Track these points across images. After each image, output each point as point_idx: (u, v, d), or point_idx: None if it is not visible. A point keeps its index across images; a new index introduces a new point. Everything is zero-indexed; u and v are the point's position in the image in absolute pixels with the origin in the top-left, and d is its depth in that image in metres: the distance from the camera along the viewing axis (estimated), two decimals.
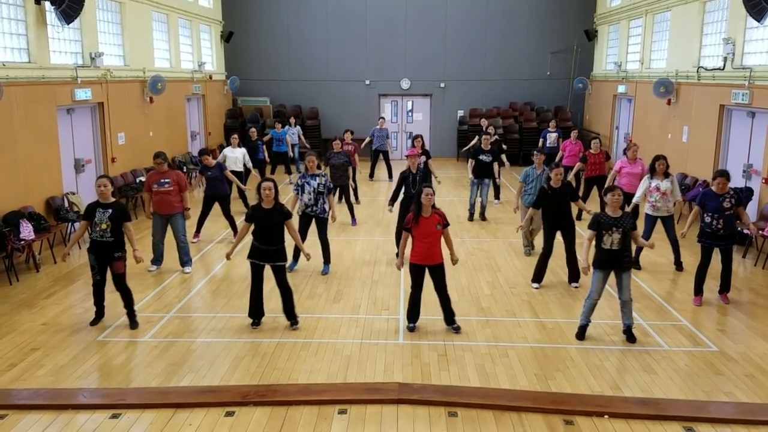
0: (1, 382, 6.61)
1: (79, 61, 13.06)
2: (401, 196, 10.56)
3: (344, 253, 11.29)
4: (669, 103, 15.27)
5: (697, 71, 14.09)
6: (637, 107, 17.90)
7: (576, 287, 9.42)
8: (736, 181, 12.39)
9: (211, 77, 20.95)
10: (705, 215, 8.55)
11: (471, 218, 13.81)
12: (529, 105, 22.84)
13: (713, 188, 8.61)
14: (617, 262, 7.40)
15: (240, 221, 9.73)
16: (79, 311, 8.56)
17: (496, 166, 13.62)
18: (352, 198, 14.20)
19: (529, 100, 22.99)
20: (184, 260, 10.29)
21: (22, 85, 10.84)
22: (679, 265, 10.33)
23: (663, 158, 10.01)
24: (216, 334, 7.83)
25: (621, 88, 19.05)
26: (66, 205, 11.90)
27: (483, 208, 13.83)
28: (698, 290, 8.84)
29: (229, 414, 5.95)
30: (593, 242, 7.53)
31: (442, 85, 23.13)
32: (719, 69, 13.13)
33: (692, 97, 14.31)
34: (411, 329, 7.90)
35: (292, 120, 19.48)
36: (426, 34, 22.78)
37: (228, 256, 8.12)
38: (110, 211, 7.74)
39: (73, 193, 12.33)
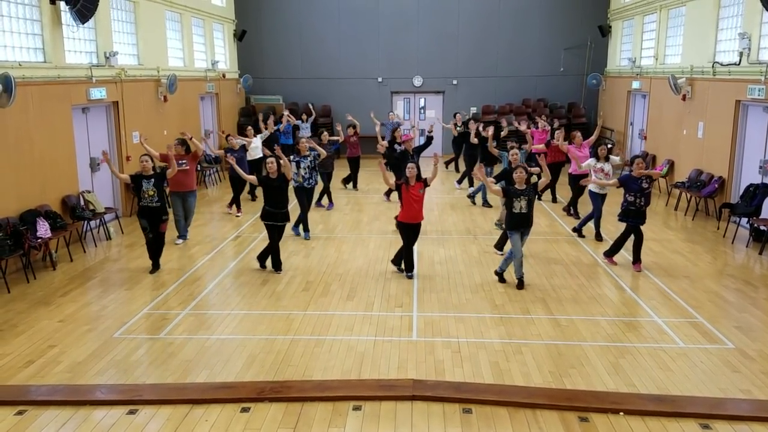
0: (19, 378, 6.70)
1: (94, 61, 13.15)
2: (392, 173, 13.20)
3: (357, 250, 11.30)
4: (684, 98, 15.14)
5: (713, 66, 13.96)
6: (651, 103, 17.75)
7: (499, 254, 10.82)
8: (753, 177, 12.28)
9: (224, 76, 21.03)
10: (627, 195, 10.01)
11: (482, 203, 15.26)
12: (543, 101, 22.72)
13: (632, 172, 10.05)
14: (525, 223, 9.18)
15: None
16: (96, 308, 8.64)
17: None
18: (350, 185, 17.32)
19: (542, 97, 22.87)
20: (182, 234, 11.91)
21: (38, 85, 10.94)
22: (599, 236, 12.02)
23: (603, 144, 12.40)
24: (231, 331, 7.88)
25: (635, 84, 18.91)
26: (82, 203, 11.99)
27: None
28: (613, 253, 10.49)
29: (245, 410, 5.99)
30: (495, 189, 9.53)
31: (455, 82, 23.08)
32: (735, 64, 13.00)
33: (708, 92, 14.17)
34: (410, 277, 9.72)
35: (304, 116, 19.78)
36: (438, 31, 22.74)
37: (233, 167, 11.34)
38: (153, 179, 9.94)
39: (89, 192, 12.42)
